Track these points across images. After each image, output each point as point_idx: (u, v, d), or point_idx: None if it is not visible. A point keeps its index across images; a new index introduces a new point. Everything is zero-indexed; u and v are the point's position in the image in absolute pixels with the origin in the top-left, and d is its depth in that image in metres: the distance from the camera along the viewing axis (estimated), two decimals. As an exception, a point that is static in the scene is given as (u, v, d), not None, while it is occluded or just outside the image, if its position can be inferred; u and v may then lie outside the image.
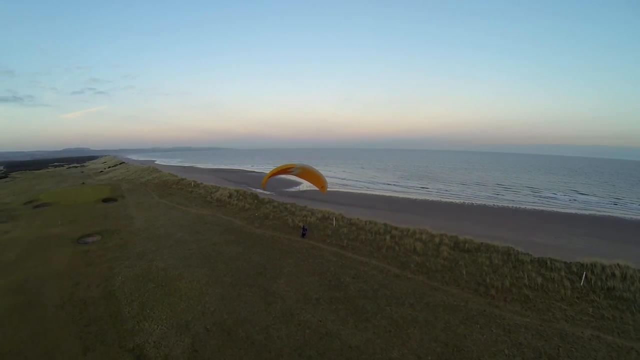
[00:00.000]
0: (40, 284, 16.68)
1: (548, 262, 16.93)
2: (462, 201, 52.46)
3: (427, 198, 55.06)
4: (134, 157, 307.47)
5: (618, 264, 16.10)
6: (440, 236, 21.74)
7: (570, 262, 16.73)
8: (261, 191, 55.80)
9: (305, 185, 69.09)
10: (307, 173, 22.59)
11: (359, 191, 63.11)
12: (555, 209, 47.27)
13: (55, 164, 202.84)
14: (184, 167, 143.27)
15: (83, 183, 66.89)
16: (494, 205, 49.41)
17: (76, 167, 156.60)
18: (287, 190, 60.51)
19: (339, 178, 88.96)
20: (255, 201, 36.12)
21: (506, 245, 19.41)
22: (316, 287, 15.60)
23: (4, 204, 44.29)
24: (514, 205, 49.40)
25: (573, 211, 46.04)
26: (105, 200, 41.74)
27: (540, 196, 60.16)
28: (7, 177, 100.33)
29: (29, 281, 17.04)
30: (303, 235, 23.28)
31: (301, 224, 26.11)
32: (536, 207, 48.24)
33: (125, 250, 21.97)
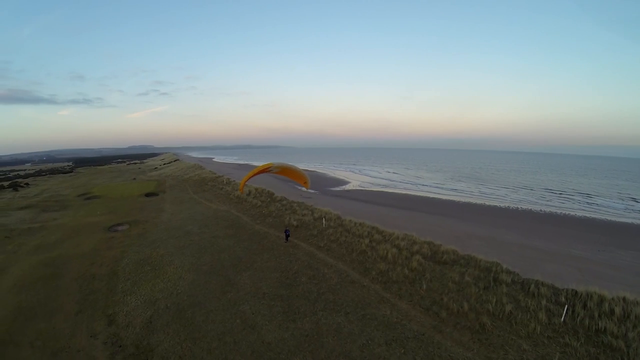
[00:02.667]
0: (66, 261, 21.31)
1: (532, 286, 14.71)
2: (506, 205, 49.96)
3: (470, 201, 53.21)
4: (194, 154, 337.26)
5: (624, 298, 13.03)
6: (421, 244, 21.13)
7: (561, 289, 14.25)
8: (304, 190, 58.60)
9: (352, 185, 71.06)
10: (286, 171, 23.28)
11: (401, 192, 63.14)
12: (606, 217, 42.34)
13: (118, 160, 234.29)
14: (239, 164, 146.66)
15: (134, 179, 77.50)
16: (540, 210, 46.04)
17: (136, 163, 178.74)
18: (331, 189, 61.94)
19: (383, 178, 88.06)
20: (269, 199, 38.77)
21: (490, 261, 17.59)
22: (271, 283, 16.95)
23: (61, 195, 54.65)
24: (562, 212, 45.28)
25: (629, 221, 40.31)
26: (148, 195, 48.62)
27: (591, 202, 54.12)
28: (72, 172, 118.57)
29: (59, 258, 21.87)
30: (286, 238, 23.61)
31: (295, 223, 27.55)
32: (586, 215, 43.68)
33: (141, 238, 26.14)
